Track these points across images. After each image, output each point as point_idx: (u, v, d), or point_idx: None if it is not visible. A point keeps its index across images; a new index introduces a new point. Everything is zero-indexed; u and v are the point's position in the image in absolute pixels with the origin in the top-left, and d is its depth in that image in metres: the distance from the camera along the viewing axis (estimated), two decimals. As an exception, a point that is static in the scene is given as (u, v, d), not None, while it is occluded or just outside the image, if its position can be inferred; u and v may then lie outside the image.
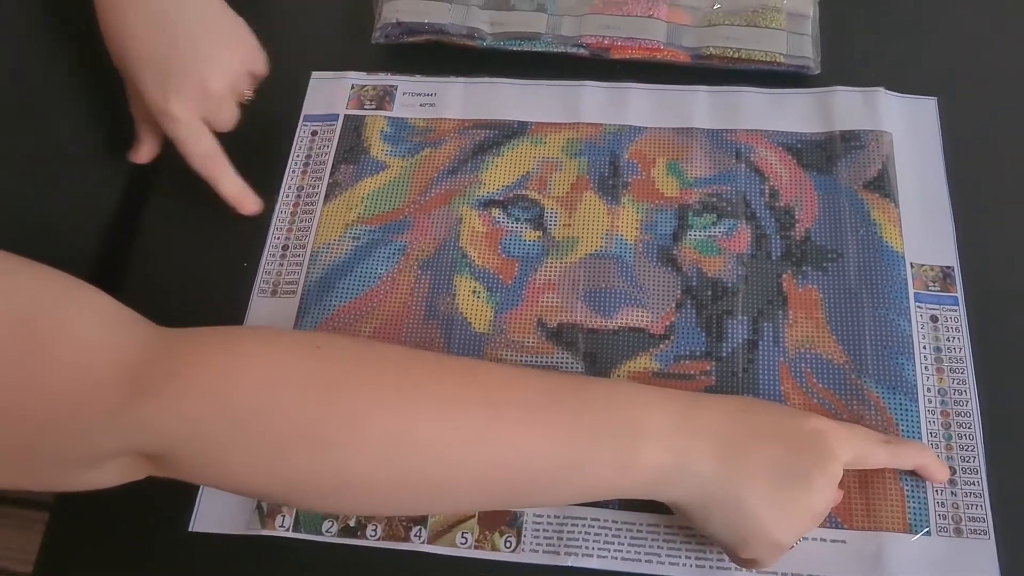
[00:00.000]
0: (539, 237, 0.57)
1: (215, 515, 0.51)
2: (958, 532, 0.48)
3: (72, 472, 0.39)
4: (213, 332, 0.41)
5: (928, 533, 0.47)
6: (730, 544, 0.44)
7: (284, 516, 0.50)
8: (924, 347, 0.52)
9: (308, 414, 0.39)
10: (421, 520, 0.49)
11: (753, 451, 0.43)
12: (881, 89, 0.60)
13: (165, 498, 0.51)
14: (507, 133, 0.61)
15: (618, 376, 0.52)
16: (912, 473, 0.49)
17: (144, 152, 0.60)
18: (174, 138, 0.56)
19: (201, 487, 0.51)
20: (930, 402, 0.51)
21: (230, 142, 0.64)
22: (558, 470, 0.42)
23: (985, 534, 0.47)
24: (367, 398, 0.40)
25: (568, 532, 0.49)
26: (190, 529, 0.51)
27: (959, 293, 0.54)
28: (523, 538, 0.49)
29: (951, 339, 0.53)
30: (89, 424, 0.37)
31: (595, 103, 0.62)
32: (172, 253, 0.60)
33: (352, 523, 0.50)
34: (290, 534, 0.50)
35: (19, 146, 0.55)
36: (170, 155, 0.63)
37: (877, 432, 0.49)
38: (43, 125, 0.58)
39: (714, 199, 0.58)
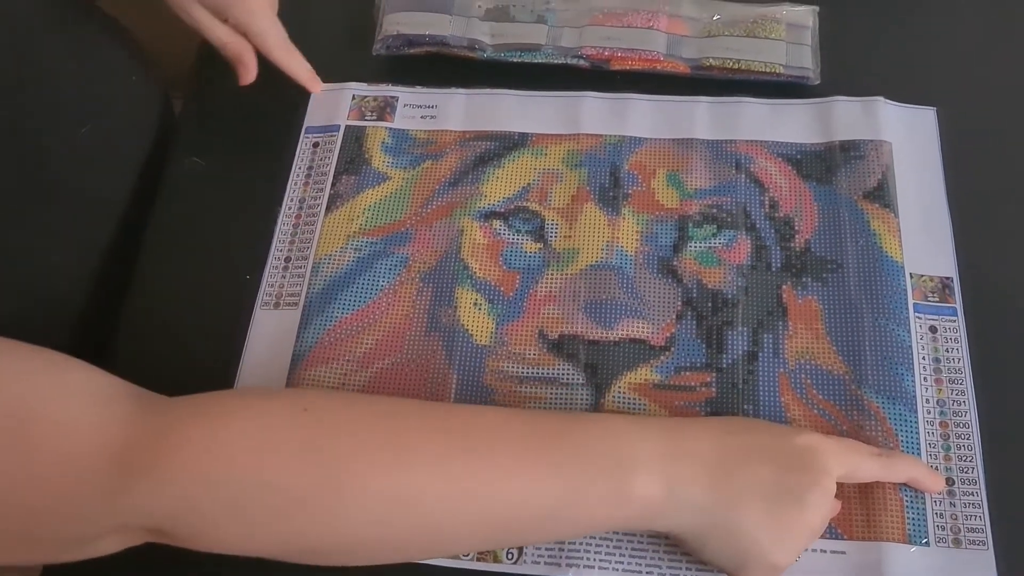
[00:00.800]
0: (540, 249, 0.57)
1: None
2: (957, 543, 0.48)
3: (70, 548, 0.40)
4: (198, 406, 0.41)
5: (927, 543, 0.48)
6: (729, 569, 0.45)
7: (288, 529, 0.50)
8: (923, 358, 0.53)
9: (300, 486, 0.39)
10: (424, 532, 0.50)
11: (743, 473, 0.43)
12: (880, 99, 0.61)
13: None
14: (508, 145, 0.62)
15: (619, 388, 0.53)
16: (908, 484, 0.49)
17: (246, 56, 0.62)
18: (258, 30, 0.61)
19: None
20: (929, 412, 0.51)
21: (232, 153, 0.65)
22: (551, 511, 0.43)
23: (984, 544, 0.48)
24: (357, 466, 0.40)
25: (569, 544, 0.49)
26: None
27: (958, 304, 0.54)
28: (525, 550, 0.49)
29: (950, 350, 0.53)
30: (82, 510, 0.37)
31: (595, 114, 0.62)
32: (175, 266, 0.60)
33: (355, 535, 0.50)
34: (294, 546, 0.50)
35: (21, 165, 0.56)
36: (172, 168, 0.63)
37: (868, 445, 0.49)
38: (36, 137, 0.58)
39: (714, 210, 0.58)
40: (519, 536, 0.45)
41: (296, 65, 0.64)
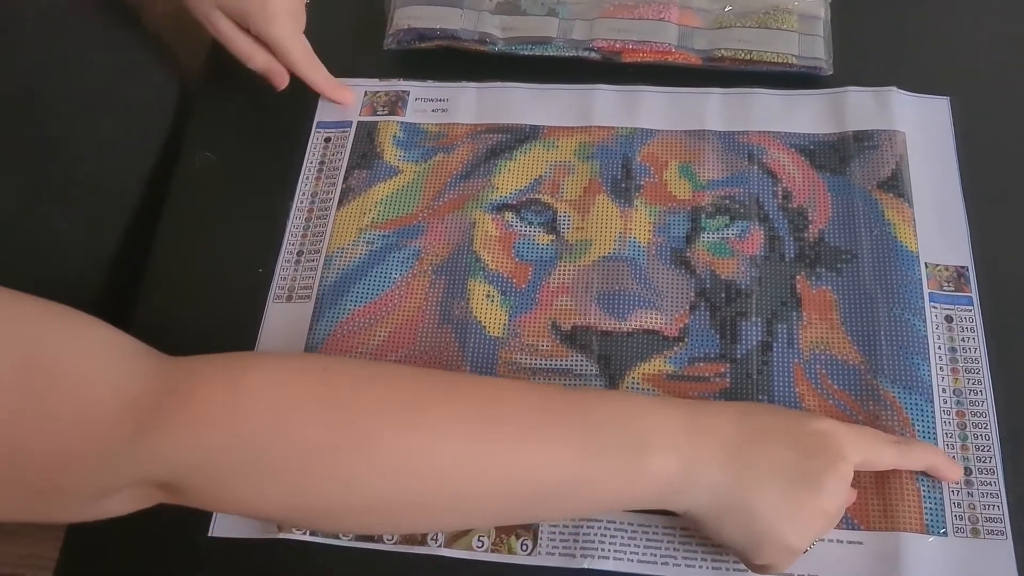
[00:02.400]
0: (552, 241, 0.57)
1: (233, 520, 0.51)
2: (975, 532, 0.47)
3: (84, 506, 0.39)
4: (217, 363, 0.41)
5: (945, 534, 0.47)
6: (743, 550, 0.44)
7: (301, 520, 0.50)
8: (939, 347, 0.52)
9: (318, 441, 0.39)
10: (437, 523, 0.50)
11: (761, 455, 0.43)
12: (894, 89, 0.60)
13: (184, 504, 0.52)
14: (519, 137, 0.62)
15: (633, 379, 0.52)
16: (925, 473, 0.49)
17: (263, 57, 0.62)
18: (279, 41, 0.61)
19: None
20: (945, 402, 0.51)
21: (244, 148, 0.65)
22: (568, 485, 0.42)
23: (1002, 535, 0.47)
24: (376, 422, 0.40)
25: (584, 535, 0.49)
26: (209, 534, 0.51)
27: (973, 293, 0.54)
28: (539, 541, 0.49)
29: (966, 339, 0.52)
30: (98, 461, 0.37)
31: (607, 106, 0.62)
32: (188, 260, 0.61)
33: (369, 527, 0.50)
34: (307, 538, 0.50)
35: (34, 153, 0.56)
36: (184, 162, 0.64)
37: (885, 433, 0.48)
38: (56, 127, 0.59)
39: (727, 201, 0.58)
40: (534, 509, 0.45)
41: (319, 79, 0.63)
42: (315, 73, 0.63)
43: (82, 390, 0.37)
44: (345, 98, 0.64)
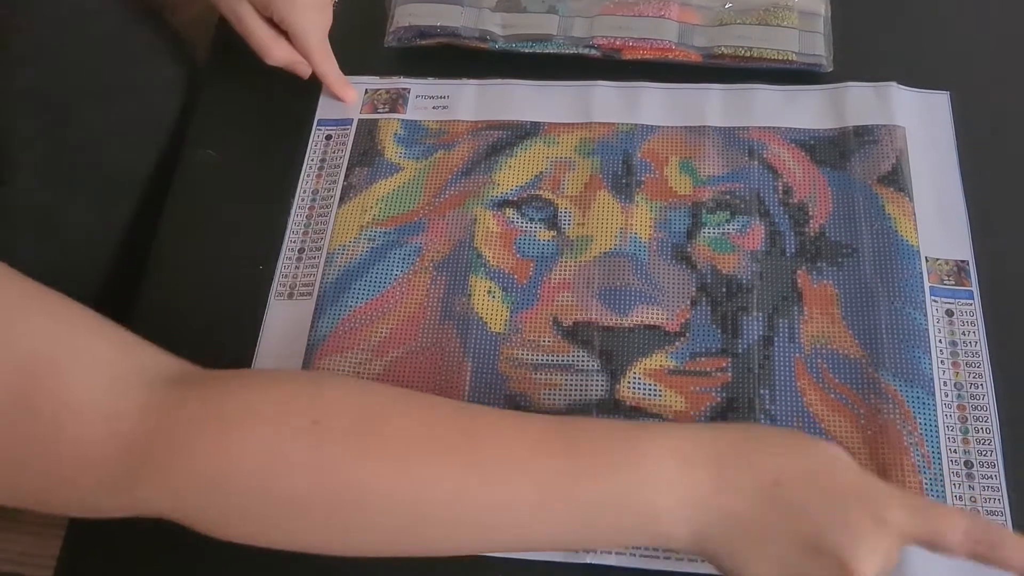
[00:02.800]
0: (553, 237, 0.57)
1: (236, 516, 0.51)
2: (977, 525, 0.47)
3: (88, 511, 0.41)
4: (212, 405, 0.40)
5: (947, 527, 0.47)
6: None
7: (304, 516, 0.50)
8: (940, 341, 0.52)
9: (308, 498, 0.39)
10: (440, 519, 0.50)
11: (777, 547, 0.39)
12: (893, 84, 0.61)
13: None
14: (520, 134, 0.62)
15: (634, 374, 0.52)
16: (928, 463, 0.49)
17: (282, 51, 0.62)
18: (299, 29, 0.61)
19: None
20: (947, 396, 0.51)
21: (245, 146, 0.65)
22: (572, 543, 0.44)
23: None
24: (369, 477, 0.39)
25: (586, 529, 0.49)
26: (211, 531, 0.51)
27: (974, 287, 0.54)
28: (541, 536, 0.49)
29: (967, 333, 0.53)
30: (91, 492, 0.38)
31: (607, 103, 0.62)
32: (189, 257, 0.61)
33: (371, 522, 0.50)
34: (310, 534, 0.50)
35: (40, 150, 0.56)
36: (186, 160, 0.64)
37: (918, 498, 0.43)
38: (60, 129, 0.59)
39: (727, 196, 0.58)
40: (543, 546, 0.47)
41: (331, 73, 0.63)
42: (326, 65, 0.63)
43: (75, 426, 0.37)
44: (349, 96, 0.64)
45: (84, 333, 0.39)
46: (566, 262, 0.56)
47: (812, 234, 0.56)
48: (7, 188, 0.55)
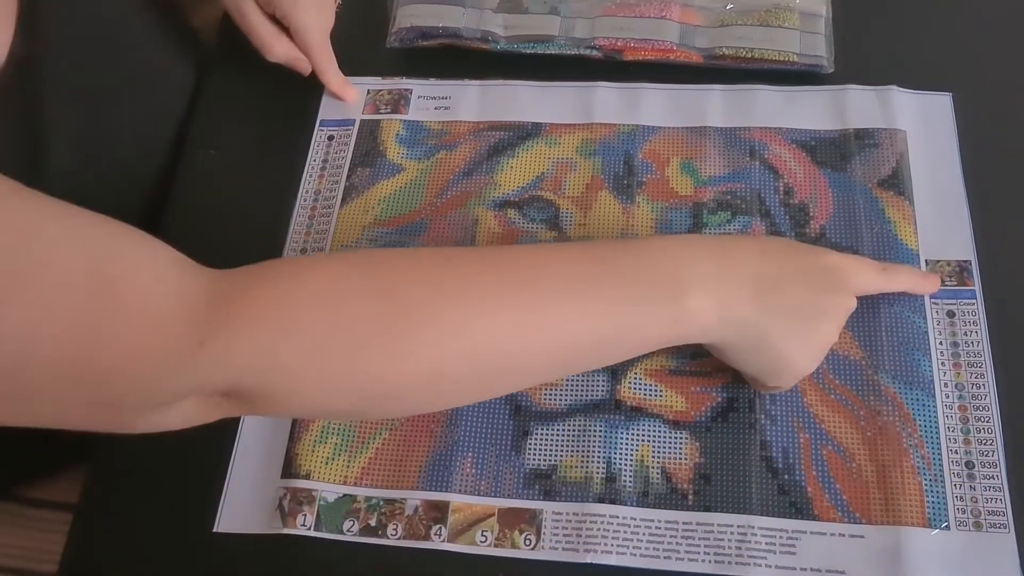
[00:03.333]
0: (555, 237, 0.58)
1: (238, 515, 0.51)
2: (977, 526, 0.48)
3: (144, 414, 0.40)
4: (270, 266, 0.42)
5: (947, 527, 0.48)
6: (759, 375, 0.49)
7: (305, 515, 0.50)
8: (941, 342, 0.52)
9: (371, 319, 0.41)
10: (441, 519, 0.50)
11: (780, 294, 0.46)
12: (894, 87, 0.61)
13: (189, 499, 0.52)
14: (521, 135, 0.62)
15: (635, 374, 0.53)
16: (928, 464, 0.49)
17: (282, 48, 0.63)
18: (301, 26, 0.62)
19: (224, 488, 0.52)
20: (947, 397, 0.51)
21: (247, 146, 0.65)
22: (613, 338, 0.45)
23: (1005, 528, 0.47)
24: (425, 293, 0.42)
25: (587, 529, 0.49)
26: (214, 529, 0.51)
27: (976, 287, 0.54)
28: (543, 535, 0.49)
29: (968, 333, 0.53)
30: (163, 366, 0.37)
31: (608, 104, 0.62)
32: (192, 257, 0.60)
33: (373, 522, 0.50)
34: (312, 533, 0.50)
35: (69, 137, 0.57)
36: (188, 160, 0.64)
37: (874, 261, 0.52)
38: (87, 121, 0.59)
39: (728, 197, 0.58)
40: (583, 361, 0.48)
41: (330, 72, 0.64)
42: (326, 63, 0.64)
43: (147, 298, 0.37)
44: (348, 95, 0.64)
45: (140, 234, 0.39)
46: (567, 263, 0.56)
47: (813, 235, 0.56)
48: (41, 171, 0.55)
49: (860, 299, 0.53)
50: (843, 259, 0.49)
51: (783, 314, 0.46)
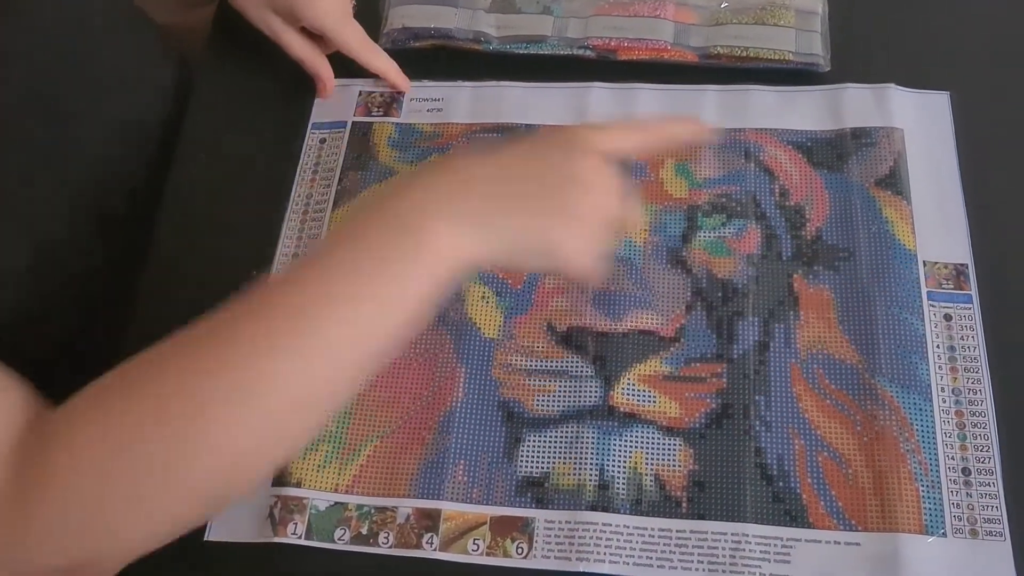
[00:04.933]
0: (548, 241, 0.57)
1: (229, 524, 0.51)
2: (974, 534, 0.47)
3: None
4: (46, 436, 0.40)
5: (944, 535, 0.47)
6: (545, 267, 0.51)
7: (296, 524, 0.50)
8: (938, 346, 0.52)
9: (146, 444, 0.39)
10: (433, 527, 0.49)
11: (516, 183, 0.45)
12: (892, 85, 0.60)
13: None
14: (514, 136, 0.61)
15: (629, 380, 0.52)
16: (925, 470, 0.48)
17: (327, 77, 0.64)
18: (334, 33, 0.62)
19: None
20: (944, 401, 0.50)
21: (239, 150, 0.65)
22: (383, 324, 0.42)
23: (1001, 536, 0.47)
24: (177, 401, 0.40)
25: (580, 538, 0.48)
26: (205, 538, 0.51)
27: (973, 291, 0.53)
28: (535, 544, 0.49)
29: (965, 338, 0.52)
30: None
31: (602, 104, 0.62)
32: (185, 262, 0.60)
33: (364, 531, 0.50)
34: (302, 541, 0.50)
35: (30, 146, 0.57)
36: (179, 165, 0.64)
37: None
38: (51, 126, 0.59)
39: (723, 199, 0.57)
40: (374, 358, 0.43)
41: (383, 64, 0.63)
42: (375, 58, 0.63)
43: None
44: (404, 85, 0.64)
45: None
46: (560, 267, 0.56)
47: (809, 237, 0.56)
48: None
49: (855, 300, 0.53)
50: (575, 126, 0.49)
51: (522, 199, 0.44)
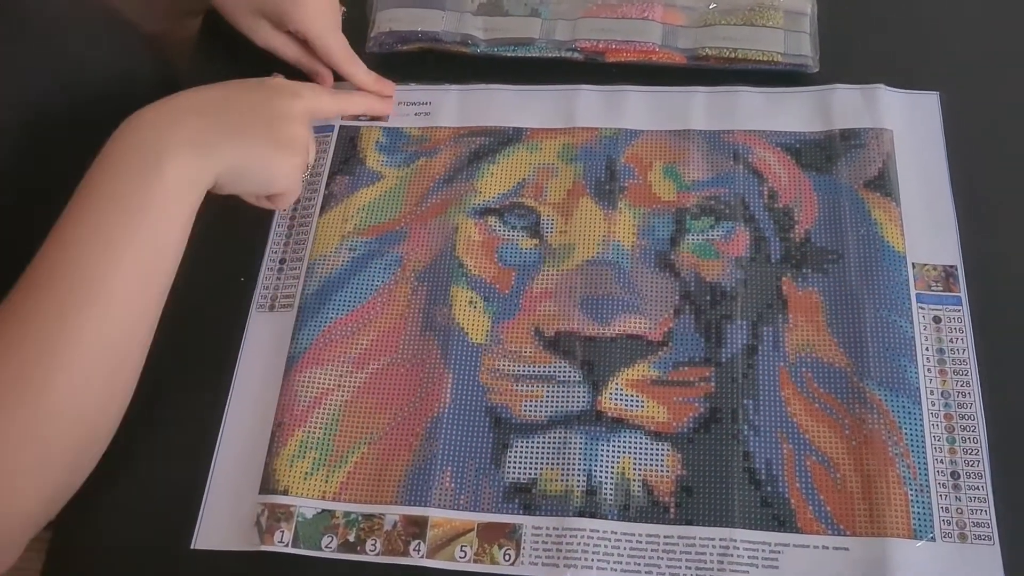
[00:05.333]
0: (536, 245, 0.57)
1: (216, 532, 0.51)
2: (963, 538, 0.47)
3: None
4: None
5: (933, 539, 0.47)
6: (259, 189, 0.55)
7: (283, 532, 0.50)
8: (927, 348, 0.52)
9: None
10: (420, 534, 0.49)
11: (233, 112, 0.52)
12: (881, 86, 0.60)
13: (167, 516, 0.52)
14: (502, 140, 0.61)
15: (617, 384, 0.52)
16: (914, 474, 0.48)
17: (325, 71, 0.64)
18: (317, 38, 0.62)
19: (203, 505, 0.51)
20: (933, 404, 0.50)
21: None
22: (152, 255, 0.49)
23: (990, 540, 0.47)
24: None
25: (567, 544, 0.48)
26: (192, 547, 0.51)
27: (962, 293, 0.53)
28: (522, 550, 0.49)
29: (954, 340, 0.52)
30: None
31: (590, 107, 0.62)
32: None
33: (352, 538, 0.50)
34: (289, 550, 0.49)
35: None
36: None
37: (328, 89, 0.61)
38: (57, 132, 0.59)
39: (712, 202, 0.57)
40: (156, 290, 0.50)
41: (360, 73, 0.63)
42: (355, 68, 0.63)
43: None
44: (387, 89, 0.64)
45: None
46: (548, 271, 0.56)
47: (797, 240, 0.55)
48: None
49: (844, 303, 0.53)
50: (290, 105, 0.54)
51: (241, 128, 0.51)
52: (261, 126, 0.52)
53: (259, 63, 0.63)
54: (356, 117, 0.63)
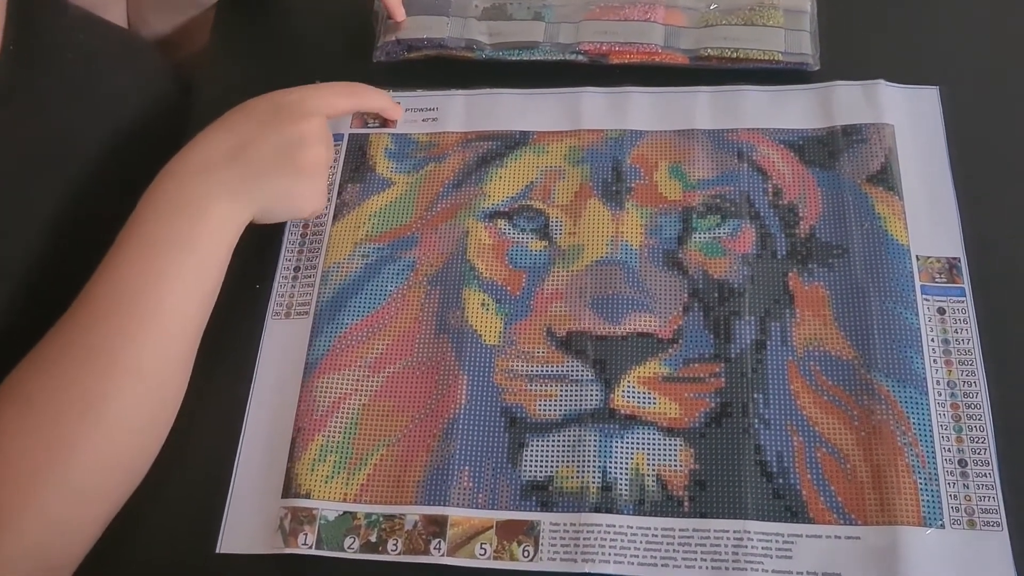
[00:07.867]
0: (545, 247, 0.58)
1: (241, 536, 0.52)
2: (971, 524, 0.48)
3: None
4: None
5: (942, 526, 0.48)
6: (292, 215, 0.60)
7: (306, 534, 0.51)
8: (932, 339, 0.53)
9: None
10: (440, 533, 0.50)
11: (258, 148, 0.55)
12: (881, 82, 0.60)
13: (192, 520, 0.53)
14: (509, 144, 0.62)
15: (628, 382, 0.53)
16: (923, 463, 0.49)
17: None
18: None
19: (226, 509, 0.53)
20: (940, 395, 0.51)
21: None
22: (195, 300, 0.53)
23: (998, 526, 0.48)
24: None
25: (584, 539, 0.49)
26: (217, 551, 0.52)
27: (966, 284, 0.54)
28: (540, 547, 0.50)
29: (959, 331, 0.53)
30: None
31: (595, 109, 0.62)
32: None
33: (374, 538, 0.51)
34: (313, 552, 0.51)
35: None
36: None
37: (344, 87, 0.61)
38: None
39: (717, 200, 0.58)
40: (195, 332, 0.54)
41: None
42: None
43: None
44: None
45: None
46: (558, 272, 0.57)
47: (803, 235, 0.56)
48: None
49: (850, 296, 0.54)
50: (299, 91, 0.58)
51: (265, 164, 0.54)
52: (284, 162, 0.55)
53: (269, 68, 0.64)
54: (366, 122, 0.64)
